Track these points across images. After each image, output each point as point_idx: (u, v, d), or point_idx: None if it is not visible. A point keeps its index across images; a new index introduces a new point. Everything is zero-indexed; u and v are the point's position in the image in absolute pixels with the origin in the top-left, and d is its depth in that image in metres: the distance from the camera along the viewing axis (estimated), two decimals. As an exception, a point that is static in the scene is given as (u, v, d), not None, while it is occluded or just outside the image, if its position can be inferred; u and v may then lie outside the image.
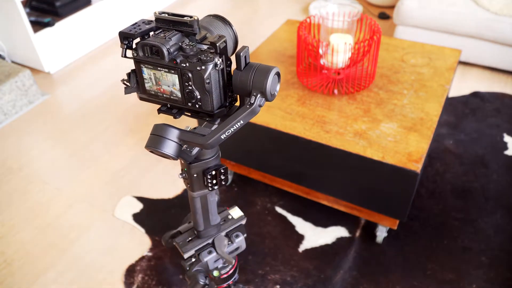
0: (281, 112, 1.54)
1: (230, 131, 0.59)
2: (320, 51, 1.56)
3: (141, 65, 0.58)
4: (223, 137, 0.59)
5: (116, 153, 2.06)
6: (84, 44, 2.83)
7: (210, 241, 0.79)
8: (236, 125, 0.58)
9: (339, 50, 1.52)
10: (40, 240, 1.68)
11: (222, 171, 0.69)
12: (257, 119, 1.51)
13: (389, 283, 1.47)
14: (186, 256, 0.76)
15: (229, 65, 0.59)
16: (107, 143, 2.13)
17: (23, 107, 2.38)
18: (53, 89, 2.56)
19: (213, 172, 0.68)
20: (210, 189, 0.69)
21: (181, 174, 0.70)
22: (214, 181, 0.69)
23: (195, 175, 0.68)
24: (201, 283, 0.75)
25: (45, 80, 2.63)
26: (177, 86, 0.57)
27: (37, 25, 2.59)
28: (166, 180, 1.90)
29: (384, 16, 3.08)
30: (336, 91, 1.60)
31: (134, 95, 2.42)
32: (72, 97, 2.50)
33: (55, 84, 2.60)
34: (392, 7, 3.17)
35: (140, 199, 1.82)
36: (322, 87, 1.62)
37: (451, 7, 2.35)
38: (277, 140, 1.50)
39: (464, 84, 2.39)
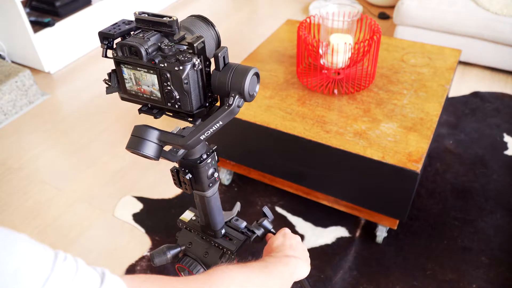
0: (281, 112, 1.54)
1: (209, 132, 0.60)
2: (320, 51, 1.56)
3: (121, 65, 0.58)
4: (202, 138, 0.60)
5: (116, 153, 2.06)
6: (84, 44, 2.83)
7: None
8: (215, 126, 0.59)
9: (339, 50, 1.52)
10: (40, 240, 1.67)
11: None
12: (257, 119, 1.51)
13: (389, 283, 1.47)
14: (254, 237, 0.81)
15: (208, 66, 0.59)
16: (107, 143, 2.13)
17: (23, 107, 2.38)
18: (53, 89, 2.56)
19: (215, 146, 0.72)
20: (218, 159, 0.73)
21: (215, 172, 0.71)
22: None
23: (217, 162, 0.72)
24: (265, 220, 0.81)
25: (45, 80, 2.63)
26: (157, 86, 0.58)
27: (37, 25, 2.59)
28: (166, 180, 1.90)
29: (384, 16, 3.08)
30: (336, 91, 1.60)
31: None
32: (72, 97, 2.50)
33: (55, 84, 2.60)
34: (392, 7, 3.17)
35: (140, 199, 1.82)
36: (322, 87, 1.62)
37: (451, 7, 2.35)
38: (277, 140, 1.50)
39: (464, 84, 2.39)
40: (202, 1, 3.44)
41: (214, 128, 0.59)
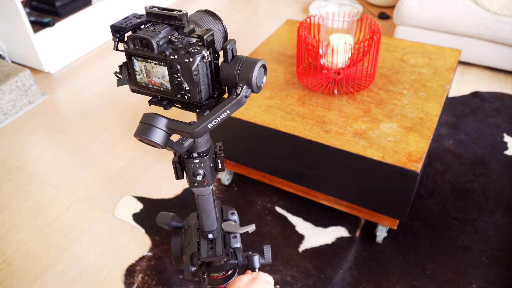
0: (281, 112, 1.54)
1: (217, 120, 0.61)
2: (320, 51, 1.56)
3: (132, 58, 0.60)
4: (209, 126, 0.61)
5: (116, 153, 2.07)
6: (84, 44, 2.84)
7: (223, 233, 0.81)
8: (223, 114, 0.60)
9: (339, 50, 1.52)
10: (40, 240, 1.68)
11: (222, 147, 0.72)
12: (257, 119, 1.51)
13: (389, 283, 1.47)
14: (227, 258, 0.78)
15: (217, 58, 0.61)
16: (107, 143, 2.13)
17: (23, 107, 2.38)
18: (53, 89, 2.56)
19: (221, 154, 0.71)
20: (224, 169, 0.72)
21: (198, 176, 0.70)
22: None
23: (211, 165, 0.70)
24: (257, 254, 0.79)
25: (45, 80, 2.63)
26: (167, 78, 0.59)
27: (37, 25, 2.59)
28: (166, 180, 1.90)
29: (384, 16, 3.08)
30: (336, 91, 1.60)
31: (134, 95, 2.42)
32: (72, 97, 2.50)
33: (55, 84, 2.61)
34: (392, 7, 3.17)
35: (140, 199, 1.82)
36: (322, 87, 1.62)
37: (451, 7, 2.35)
38: (277, 140, 1.50)
39: (464, 84, 2.39)
40: (202, 1, 3.44)
41: (221, 117, 0.60)
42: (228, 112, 0.60)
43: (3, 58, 2.69)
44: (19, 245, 1.66)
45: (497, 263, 1.52)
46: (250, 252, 0.80)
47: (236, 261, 0.79)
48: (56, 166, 2.02)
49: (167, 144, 0.62)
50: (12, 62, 2.73)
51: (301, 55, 1.62)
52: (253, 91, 0.60)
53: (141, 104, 2.36)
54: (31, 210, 1.80)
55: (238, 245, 0.80)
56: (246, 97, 0.59)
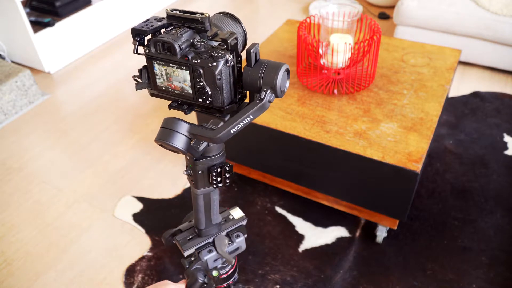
0: (281, 112, 1.54)
1: (240, 125, 0.60)
2: (320, 51, 1.56)
3: (153, 61, 0.59)
4: (232, 132, 0.60)
5: (116, 153, 2.06)
6: (84, 44, 2.84)
7: (210, 240, 0.79)
8: (246, 120, 0.59)
9: (339, 50, 1.52)
10: (40, 240, 1.68)
11: (228, 169, 0.69)
12: (257, 119, 1.51)
13: (389, 283, 1.47)
14: (186, 254, 0.77)
15: (240, 62, 0.60)
16: (107, 143, 2.13)
17: (23, 107, 2.38)
18: (53, 89, 2.56)
19: (218, 170, 0.68)
20: (215, 186, 0.70)
21: (186, 170, 0.71)
22: (219, 179, 0.69)
23: (200, 172, 0.69)
24: (200, 281, 0.74)
25: (45, 80, 2.63)
26: (188, 82, 0.58)
27: (37, 25, 2.59)
28: (166, 180, 1.90)
29: (384, 16, 3.08)
30: (336, 91, 1.60)
31: (134, 95, 2.42)
32: (72, 97, 2.50)
33: (55, 84, 2.60)
34: (392, 7, 3.17)
35: (140, 199, 1.82)
36: (322, 87, 1.62)
37: (451, 7, 2.35)
38: (277, 140, 1.50)
39: (464, 84, 2.39)
40: (202, 1, 3.44)
41: (244, 122, 0.59)
42: (251, 117, 0.59)
43: (3, 58, 2.69)
44: (19, 245, 1.66)
45: (497, 263, 1.52)
46: (201, 274, 0.75)
47: (188, 267, 0.76)
48: (56, 166, 2.02)
49: (188, 149, 0.61)
50: (12, 62, 2.73)
51: (301, 55, 1.62)
52: (276, 96, 0.59)
53: (141, 104, 2.36)
54: (31, 210, 1.80)
55: (204, 259, 0.76)
56: (269, 101, 0.58)
